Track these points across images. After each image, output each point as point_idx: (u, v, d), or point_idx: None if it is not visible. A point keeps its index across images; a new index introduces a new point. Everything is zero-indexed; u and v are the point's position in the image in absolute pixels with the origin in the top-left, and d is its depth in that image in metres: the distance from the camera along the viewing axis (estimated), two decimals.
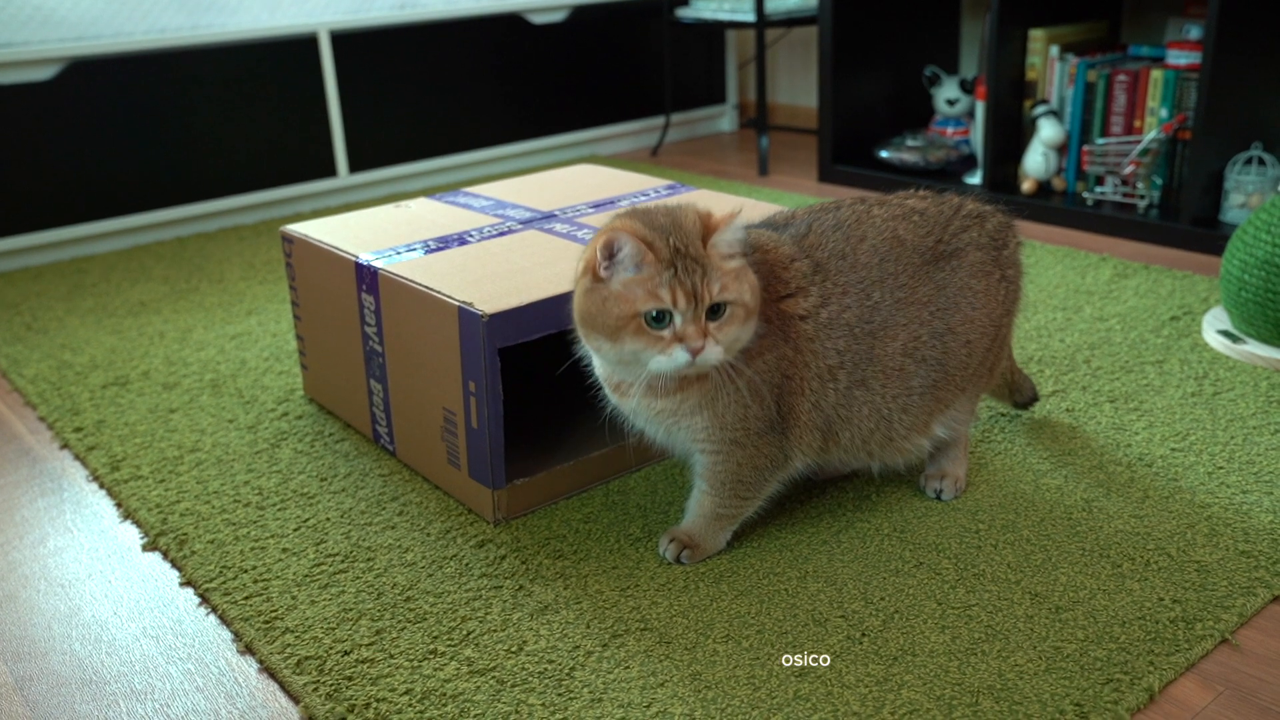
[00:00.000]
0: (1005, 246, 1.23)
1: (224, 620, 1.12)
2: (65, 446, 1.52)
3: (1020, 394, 1.41)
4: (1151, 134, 2.22)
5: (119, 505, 1.36)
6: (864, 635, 1.04)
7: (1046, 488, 1.28)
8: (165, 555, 1.25)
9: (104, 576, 1.22)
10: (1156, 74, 2.21)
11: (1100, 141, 2.30)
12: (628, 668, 1.01)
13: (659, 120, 3.27)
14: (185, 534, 1.27)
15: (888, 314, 1.14)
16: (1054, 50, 2.38)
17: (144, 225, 2.48)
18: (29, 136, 2.28)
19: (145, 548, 1.27)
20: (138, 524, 1.31)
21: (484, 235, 1.45)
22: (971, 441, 1.39)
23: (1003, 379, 1.36)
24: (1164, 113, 2.22)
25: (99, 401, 1.64)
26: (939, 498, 1.26)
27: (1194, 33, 2.25)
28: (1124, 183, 2.27)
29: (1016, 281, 1.24)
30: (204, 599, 1.16)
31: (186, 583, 1.19)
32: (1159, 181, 2.25)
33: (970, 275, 1.19)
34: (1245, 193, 2.09)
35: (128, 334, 1.91)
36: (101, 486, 1.41)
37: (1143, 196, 2.23)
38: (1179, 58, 2.20)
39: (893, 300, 1.14)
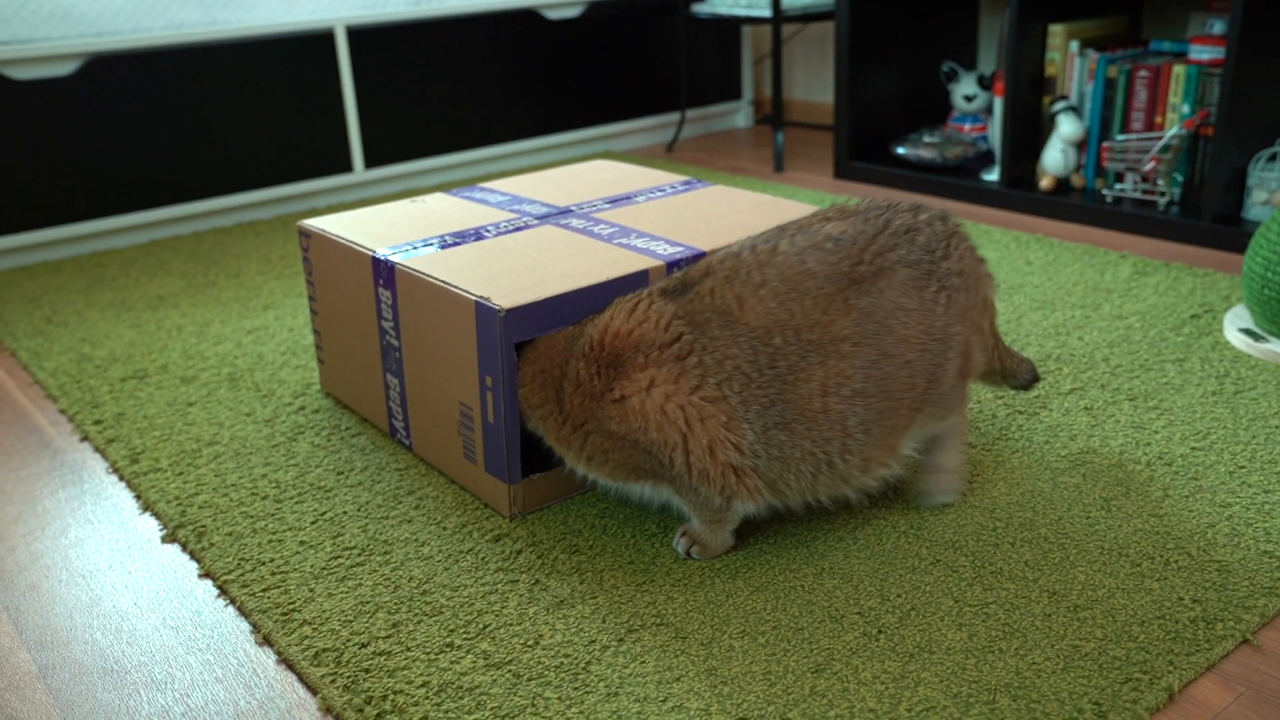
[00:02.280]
0: (946, 258, 1.16)
1: (242, 612, 1.13)
2: (85, 439, 1.53)
3: (1016, 378, 1.34)
4: (1173, 130, 2.21)
5: (138, 497, 1.37)
6: (880, 632, 1.03)
7: (1065, 486, 1.27)
8: (184, 547, 1.25)
9: (124, 567, 1.22)
10: (1178, 69, 2.20)
11: (1120, 138, 2.28)
12: (644, 662, 1.01)
13: (674, 116, 3.26)
14: (204, 526, 1.28)
15: (796, 357, 1.09)
16: (1074, 45, 2.36)
17: (162, 220, 2.50)
18: (49, 132, 2.30)
19: (164, 539, 1.27)
20: (157, 516, 1.32)
21: (500, 230, 1.45)
22: (989, 439, 1.38)
23: (993, 368, 1.30)
24: (1186, 109, 2.20)
25: (118, 394, 1.65)
26: (932, 501, 1.24)
27: (1218, 27, 2.23)
28: (1144, 179, 2.25)
29: (967, 288, 1.18)
30: (222, 590, 1.17)
31: (205, 574, 1.20)
32: (1180, 178, 2.23)
33: (900, 294, 1.12)
34: (1268, 190, 2.07)
35: (146, 328, 1.92)
36: (121, 479, 1.42)
37: (1163, 193, 2.22)
38: (1201, 53, 2.19)
39: (800, 342, 1.09)
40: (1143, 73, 2.25)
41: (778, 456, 1.11)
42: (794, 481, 1.12)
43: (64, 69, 2.29)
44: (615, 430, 1.14)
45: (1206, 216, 2.10)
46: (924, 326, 1.14)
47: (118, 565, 1.23)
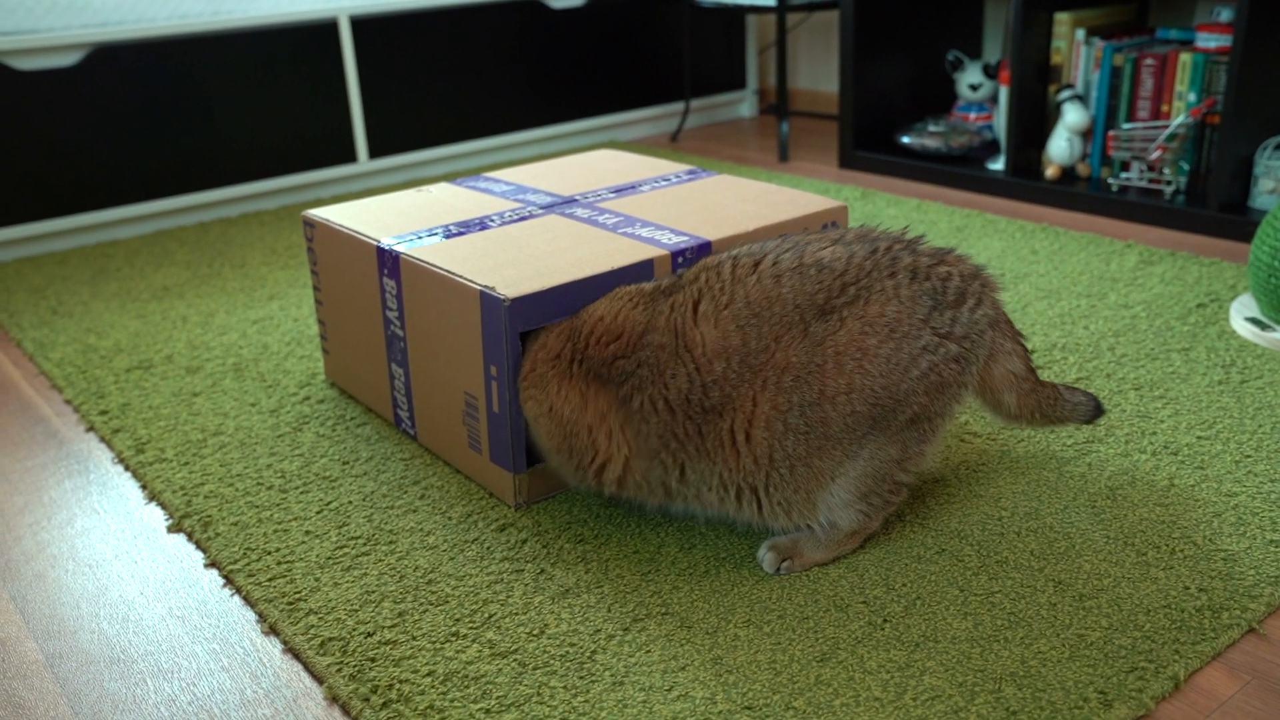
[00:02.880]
0: (954, 319, 1.07)
1: (248, 601, 1.13)
2: (91, 429, 1.53)
3: (1076, 417, 1.21)
4: (1179, 119, 2.20)
5: (144, 487, 1.37)
6: (885, 621, 1.03)
7: (1070, 475, 1.27)
8: (190, 537, 1.26)
9: (130, 557, 1.23)
10: (1185, 57, 2.19)
11: (1126, 126, 2.27)
12: (649, 651, 1.01)
13: (679, 106, 3.26)
14: (209, 516, 1.28)
15: (731, 387, 1.07)
16: (1080, 34, 2.35)
17: (166, 210, 2.50)
18: (53, 122, 2.30)
19: (170, 529, 1.28)
20: (163, 506, 1.32)
21: (505, 220, 1.45)
22: (994, 428, 1.38)
23: (1035, 418, 1.19)
24: (1192, 97, 2.19)
25: (124, 385, 1.65)
26: (764, 566, 1.13)
27: (1225, 15, 2.22)
28: (1150, 168, 2.25)
29: (961, 360, 1.07)
30: (228, 580, 1.17)
31: (211, 564, 1.20)
32: (1186, 167, 2.23)
33: (869, 335, 1.04)
34: (1275, 178, 2.06)
35: (151, 318, 1.92)
36: (127, 469, 1.42)
37: (1169, 182, 2.21)
38: (1209, 40, 2.18)
39: (743, 368, 1.07)
40: (1149, 61, 2.24)
41: (680, 482, 1.13)
42: (703, 500, 1.14)
43: (68, 59, 2.29)
44: (526, 412, 1.21)
45: (1213, 205, 2.09)
46: (885, 381, 1.05)
47: (124, 555, 1.23)
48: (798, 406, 1.06)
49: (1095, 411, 1.22)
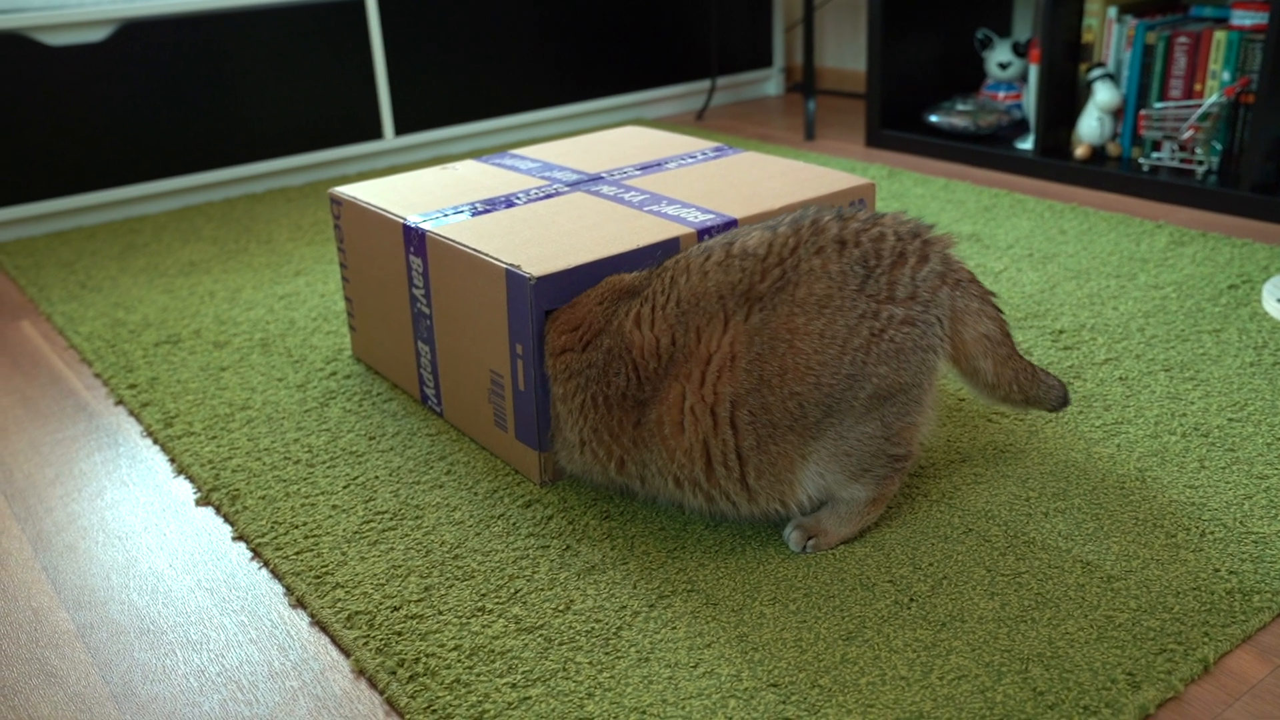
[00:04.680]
0: (894, 282, 1.04)
1: (275, 574, 1.14)
2: (120, 403, 1.55)
3: (1043, 403, 1.18)
4: (1212, 98, 2.16)
5: (173, 460, 1.38)
6: (912, 600, 1.03)
7: (1099, 456, 1.26)
8: (218, 510, 1.27)
9: (159, 530, 1.24)
10: (1219, 35, 2.15)
11: (1158, 106, 2.24)
12: (674, 628, 1.01)
13: (704, 84, 3.24)
14: (237, 490, 1.29)
15: (659, 379, 1.09)
16: (1112, 11, 2.32)
17: (194, 186, 2.51)
18: (82, 97, 2.31)
19: (199, 502, 1.29)
20: (191, 479, 1.34)
21: (531, 197, 1.45)
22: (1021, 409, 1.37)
23: (1013, 396, 1.16)
24: (1226, 75, 2.16)
25: (152, 359, 1.66)
26: (790, 545, 1.12)
27: None
28: (1182, 148, 2.21)
29: (921, 323, 1.04)
30: (256, 553, 1.18)
31: (239, 537, 1.21)
32: (1219, 147, 2.19)
33: (800, 315, 1.03)
34: None
35: (179, 293, 1.93)
36: (155, 442, 1.43)
37: (1201, 162, 2.18)
38: (1244, 18, 2.14)
39: (669, 365, 1.08)
40: (1182, 39, 2.21)
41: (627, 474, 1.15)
42: (657, 491, 1.15)
43: (97, 35, 2.30)
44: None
45: (1245, 186, 2.06)
46: (821, 357, 1.03)
47: (153, 527, 1.24)
48: (728, 398, 1.06)
49: (1062, 400, 1.18)
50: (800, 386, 1.03)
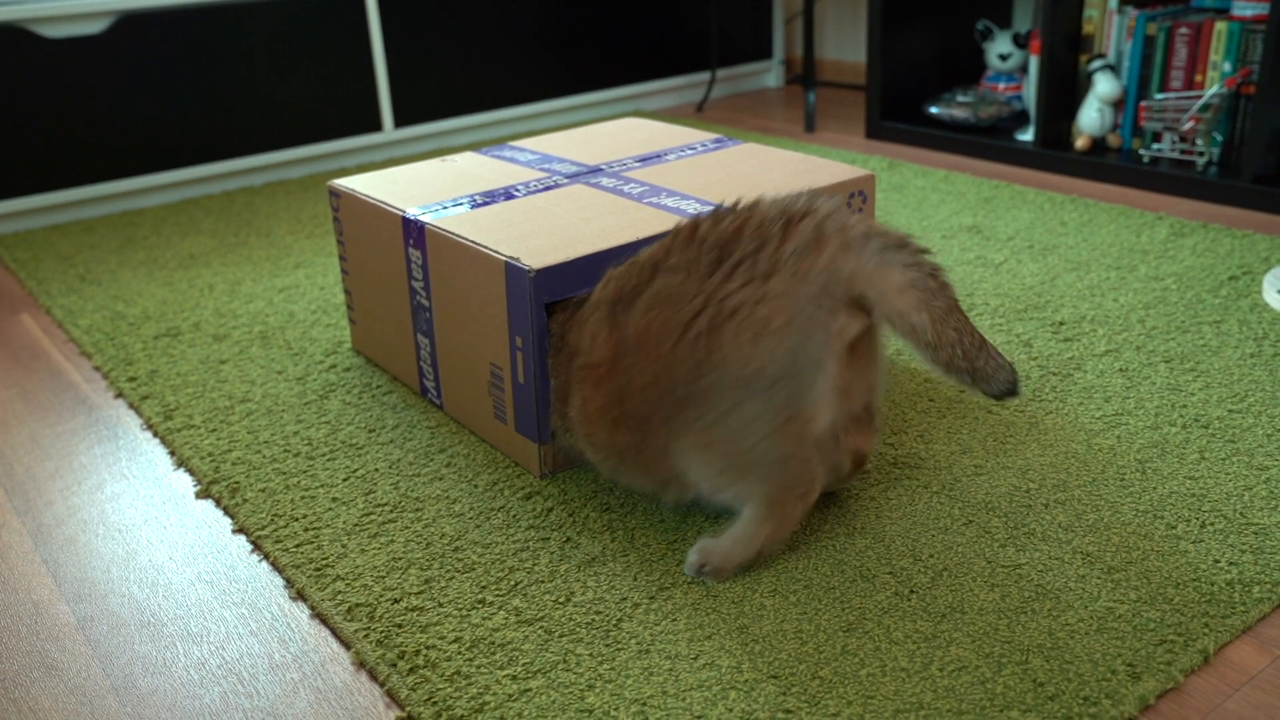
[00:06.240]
0: (761, 248, 0.99)
1: (276, 567, 1.14)
2: (120, 395, 1.55)
3: (989, 384, 1.00)
4: (1213, 89, 2.16)
5: (172, 453, 1.38)
6: (912, 592, 1.03)
7: (1099, 448, 1.26)
8: (218, 503, 1.27)
9: (159, 522, 1.24)
10: (1220, 26, 2.15)
11: (1159, 97, 2.24)
12: (675, 620, 1.01)
13: (704, 76, 3.23)
14: (237, 482, 1.29)
15: (568, 381, 1.16)
16: (1112, 2, 2.31)
17: (193, 179, 2.50)
18: (80, 90, 2.30)
19: (198, 495, 1.29)
20: (191, 472, 1.34)
21: (530, 190, 1.44)
22: (1022, 400, 1.37)
23: (951, 363, 0.99)
24: (1227, 67, 2.15)
25: (151, 352, 1.66)
26: (687, 570, 1.07)
27: None
28: (1182, 139, 2.21)
29: (779, 309, 0.96)
30: (256, 546, 1.18)
31: (239, 530, 1.21)
32: (1219, 138, 2.19)
33: (653, 312, 1.03)
34: None
35: (178, 286, 1.93)
36: (155, 435, 1.43)
37: (1202, 153, 2.18)
38: (1245, 9, 2.13)
39: (571, 369, 1.16)
40: (1183, 30, 2.20)
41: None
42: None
43: (95, 27, 2.29)
44: None
45: (1246, 177, 2.06)
46: (660, 350, 1.02)
47: (153, 520, 1.24)
48: (603, 400, 1.09)
49: (1009, 386, 1.00)
50: (646, 378, 1.04)
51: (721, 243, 1.01)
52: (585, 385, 1.11)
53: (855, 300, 0.98)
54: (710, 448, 1.02)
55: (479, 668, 0.97)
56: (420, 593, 1.07)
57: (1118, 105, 2.33)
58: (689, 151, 1.59)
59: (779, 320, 0.96)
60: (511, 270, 1.20)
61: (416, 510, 1.21)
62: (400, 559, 1.13)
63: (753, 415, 0.99)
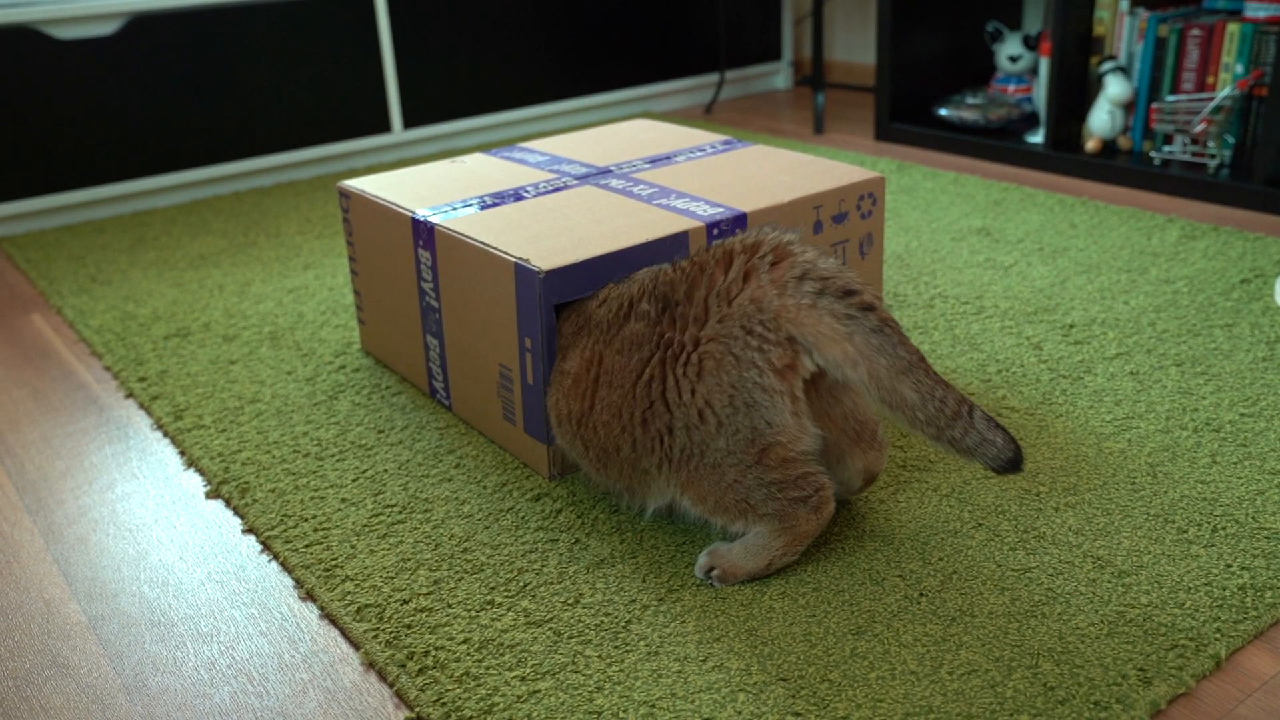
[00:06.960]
0: (696, 319, 1.02)
1: (285, 567, 1.14)
2: (130, 395, 1.55)
3: (974, 453, 0.97)
4: (1225, 91, 2.15)
5: (182, 453, 1.39)
6: (921, 595, 1.03)
7: (1110, 451, 1.25)
8: (228, 503, 1.27)
9: (169, 522, 1.24)
10: (1233, 27, 2.14)
11: (1170, 99, 2.23)
12: (684, 622, 1.01)
13: (713, 77, 3.23)
14: (247, 482, 1.29)
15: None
16: (1124, 4, 2.31)
17: (203, 180, 2.51)
18: (91, 91, 2.31)
19: (208, 495, 1.29)
20: (201, 472, 1.34)
21: (540, 191, 1.44)
22: (1032, 403, 1.37)
23: (921, 426, 0.97)
24: (1239, 68, 2.15)
25: (162, 352, 1.67)
26: (696, 571, 1.07)
27: None
28: (1194, 141, 2.20)
29: (721, 356, 0.98)
30: (265, 546, 1.18)
31: (248, 530, 1.21)
32: (1231, 140, 2.18)
33: (620, 350, 1.08)
34: None
35: (188, 286, 1.94)
36: (165, 435, 1.44)
37: (1213, 156, 2.17)
38: (1258, 10, 2.13)
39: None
40: (1195, 31, 2.19)
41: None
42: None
43: (106, 28, 2.30)
44: None
45: (1258, 179, 2.05)
46: (619, 394, 1.07)
47: (163, 520, 1.25)
48: (569, 410, 1.14)
49: (1010, 461, 0.96)
50: (608, 415, 1.09)
51: (670, 287, 1.06)
52: (558, 389, 1.17)
53: (789, 340, 0.98)
54: (693, 485, 1.05)
55: (488, 669, 0.97)
56: (429, 594, 1.07)
57: (1129, 107, 2.32)
58: (698, 153, 1.59)
59: (710, 362, 1.01)
60: (521, 271, 1.20)
61: (425, 511, 1.21)
62: (409, 560, 1.13)
63: (724, 451, 1.02)
